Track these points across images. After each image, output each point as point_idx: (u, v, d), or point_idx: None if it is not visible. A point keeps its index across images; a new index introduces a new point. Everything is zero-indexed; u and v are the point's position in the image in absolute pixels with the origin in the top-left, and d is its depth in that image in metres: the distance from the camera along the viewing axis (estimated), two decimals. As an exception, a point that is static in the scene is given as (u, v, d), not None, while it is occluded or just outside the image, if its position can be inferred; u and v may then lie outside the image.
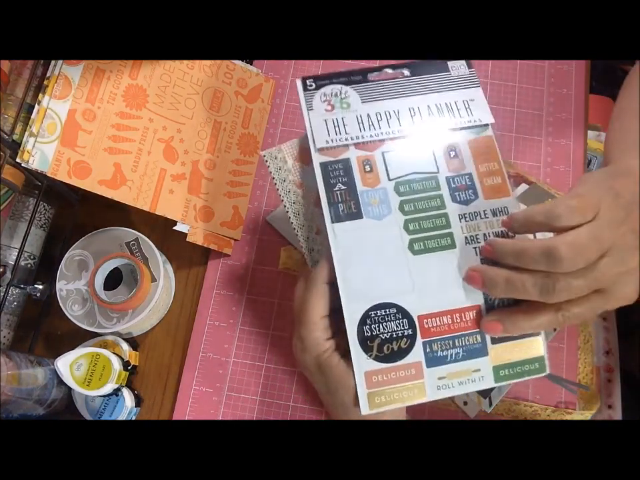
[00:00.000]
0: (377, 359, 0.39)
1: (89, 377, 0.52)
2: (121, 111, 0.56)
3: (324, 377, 0.41)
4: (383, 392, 0.38)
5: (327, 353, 0.41)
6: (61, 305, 0.56)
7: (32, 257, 0.61)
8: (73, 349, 0.55)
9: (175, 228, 0.58)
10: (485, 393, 0.52)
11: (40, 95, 0.53)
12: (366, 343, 0.39)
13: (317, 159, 0.43)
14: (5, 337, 0.59)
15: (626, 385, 0.58)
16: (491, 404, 0.52)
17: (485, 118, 0.44)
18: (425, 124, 0.44)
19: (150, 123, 0.58)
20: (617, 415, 0.56)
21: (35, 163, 0.51)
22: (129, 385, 0.57)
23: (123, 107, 0.56)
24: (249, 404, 0.58)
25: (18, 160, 0.51)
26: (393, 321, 0.39)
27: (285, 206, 0.44)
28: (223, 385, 0.58)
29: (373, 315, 0.39)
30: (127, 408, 0.55)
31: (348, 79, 0.45)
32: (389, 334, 0.39)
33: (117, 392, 0.55)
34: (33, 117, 0.52)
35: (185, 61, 0.61)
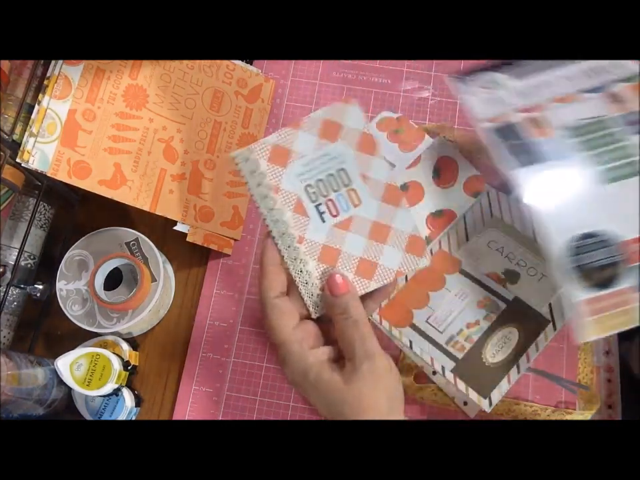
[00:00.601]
0: (588, 288, 0.40)
1: (89, 377, 0.52)
2: (121, 111, 0.56)
3: (317, 392, 0.39)
4: (596, 320, 0.40)
5: (315, 368, 0.39)
6: (60, 305, 0.56)
7: (32, 257, 0.61)
8: (73, 349, 0.55)
9: (175, 228, 0.58)
10: (485, 393, 0.52)
11: (40, 95, 0.53)
12: (575, 274, 0.40)
13: (486, 128, 0.47)
14: (5, 336, 0.59)
15: (626, 385, 0.57)
16: (490, 404, 0.52)
17: (635, 68, 0.47)
18: (582, 83, 0.48)
19: (150, 123, 0.58)
20: (617, 415, 0.56)
21: (35, 163, 0.51)
22: (129, 385, 0.57)
23: (123, 107, 0.56)
24: (248, 404, 0.58)
25: (18, 160, 0.51)
26: (598, 249, 0.40)
27: (261, 213, 0.41)
28: (223, 384, 0.58)
29: (578, 246, 0.41)
30: (126, 408, 0.55)
31: (498, 67, 0.50)
32: (597, 262, 0.40)
33: (117, 392, 0.55)
34: (33, 117, 0.52)
35: (185, 61, 0.61)
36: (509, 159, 0.45)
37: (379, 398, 0.39)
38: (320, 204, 0.42)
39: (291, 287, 0.42)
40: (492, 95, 0.50)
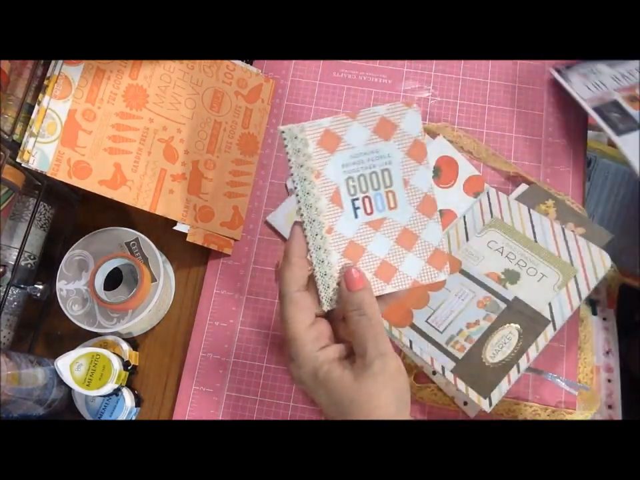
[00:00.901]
0: None
1: (89, 377, 0.52)
2: (121, 111, 0.56)
3: (325, 390, 0.39)
4: None
5: (325, 366, 0.39)
6: (60, 305, 0.56)
7: (32, 257, 0.61)
8: (73, 349, 0.55)
9: (175, 228, 0.58)
10: (485, 393, 0.52)
11: (40, 95, 0.53)
12: None
13: (588, 105, 0.60)
14: (5, 336, 0.59)
15: (626, 385, 0.58)
16: (490, 404, 0.52)
17: None
18: None
19: (150, 123, 0.58)
20: (617, 415, 0.56)
21: (35, 163, 0.51)
22: (129, 385, 0.57)
23: (123, 107, 0.56)
24: (249, 404, 0.58)
25: (18, 160, 0.51)
26: None
27: (296, 195, 0.41)
28: (223, 385, 0.58)
29: None
30: (127, 408, 0.55)
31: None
32: None
33: (117, 392, 0.55)
34: (33, 117, 0.52)
35: (185, 61, 0.61)
36: (613, 128, 0.56)
37: (388, 397, 0.38)
38: (357, 199, 0.41)
39: (310, 282, 0.42)
40: (589, 80, 0.62)
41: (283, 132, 0.40)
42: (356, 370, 0.39)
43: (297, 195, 0.41)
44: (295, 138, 0.40)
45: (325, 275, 0.41)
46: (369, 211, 0.41)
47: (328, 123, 0.40)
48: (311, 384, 0.40)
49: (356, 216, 0.41)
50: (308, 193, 0.41)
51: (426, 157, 0.42)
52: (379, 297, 0.42)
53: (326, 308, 0.41)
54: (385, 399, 0.38)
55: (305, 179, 0.40)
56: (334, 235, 0.41)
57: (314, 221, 0.41)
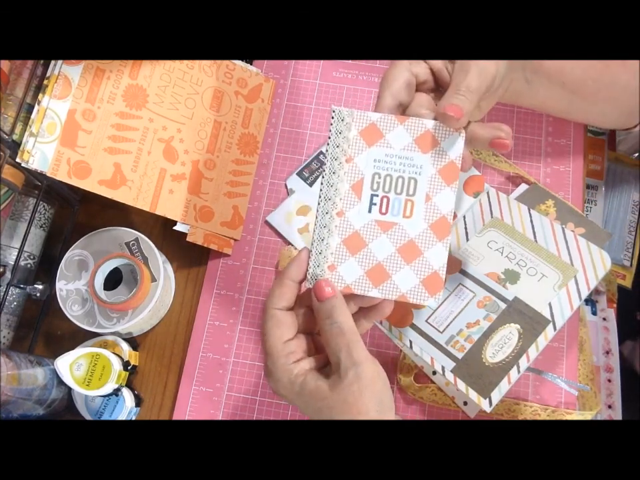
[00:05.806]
0: None
1: (89, 377, 0.52)
2: (120, 111, 0.56)
3: (303, 401, 0.40)
4: None
5: (299, 378, 0.39)
6: (60, 305, 0.56)
7: (32, 257, 0.61)
8: (73, 349, 0.55)
9: (175, 228, 0.58)
10: (485, 393, 0.52)
11: (40, 95, 0.53)
12: None
13: None
14: (4, 337, 0.59)
15: (626, 385, 0.58)
16: (490, 404, 0.52)
17: None
18: None
19: (150, 122, 0.58)
20: (617, 415, 0.56)
21: (34, 163, 0.51)
22: (129, 385, 0.57)
23: (122, 106, 0.56)
24: (248, 404, 0.58)
25: (18, 160, 0.51)
26: None
27: (322, 170, 0.42)
28: (223, 385, 0.58)
29: None
30: (127, 408, 0.55)
31: None
32: None
33: (116, 392, 0.55)
34: (32, 117, 0.52)
35: (185, 61, 0.61)
36: None
37: (366, 404, 0.38)
38: (376, 195, 0.42)
39: (296, 304, 0.43)
40: None
41: (334, 111, 0.42)
42: (331, 380, 0.39)
43: (323, 171, 0.42)
44: (342, 120, 0.42)
45: (320, 253, 0.42)
46: (383, 210, 0.42)
47: (376, 118, 0.42)
48: (289, 396, 0.41)
49: (369, 211, 0.42)
50: (334, 173, 0.42)
51: (456, 181, 0.42)
52: (363, 315, 0.43)
53: (308, 285, 0.42)
54: (363, 406, 0.38)
55: (336, 159, 0.42)
56: (342, 220, 0.42)
57: (329, 199, 0.42)
